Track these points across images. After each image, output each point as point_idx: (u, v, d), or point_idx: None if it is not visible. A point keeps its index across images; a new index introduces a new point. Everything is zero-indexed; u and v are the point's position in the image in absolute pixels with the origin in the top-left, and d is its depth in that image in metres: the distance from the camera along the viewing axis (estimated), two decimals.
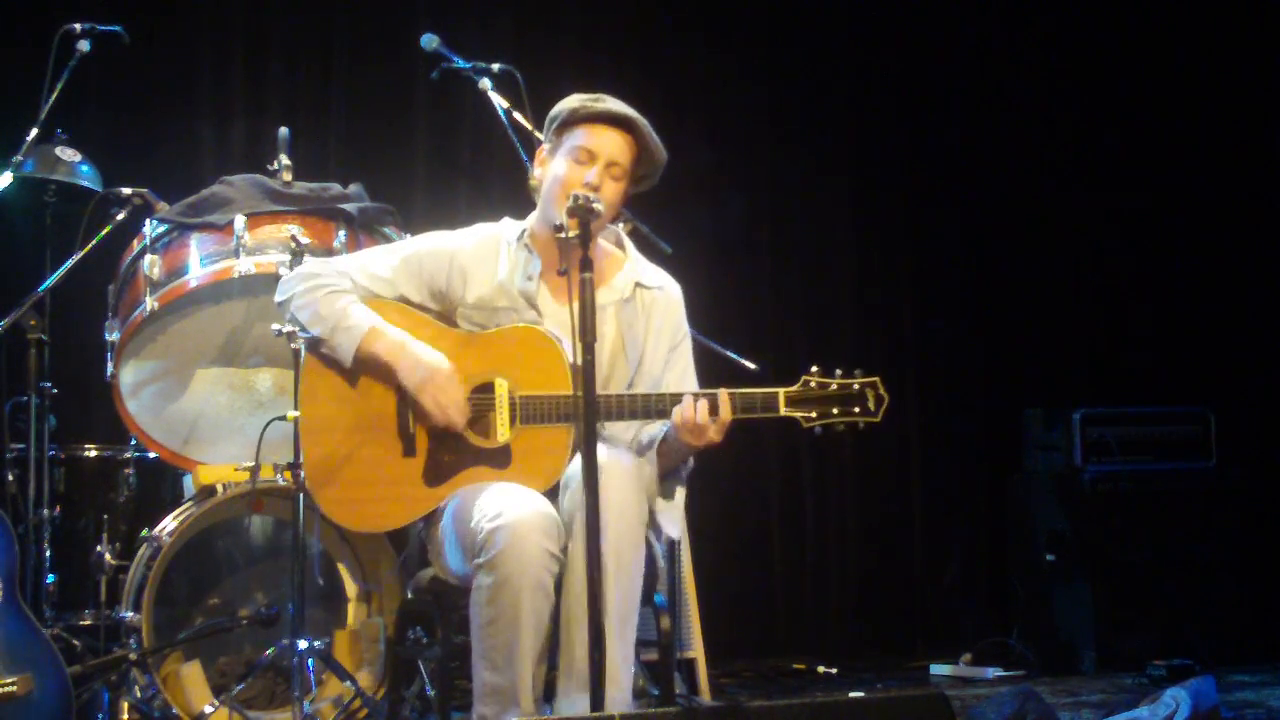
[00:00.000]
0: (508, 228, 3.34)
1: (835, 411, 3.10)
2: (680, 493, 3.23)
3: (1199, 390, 5.93)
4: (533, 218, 3.32)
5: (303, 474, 3.71)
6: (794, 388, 3.10)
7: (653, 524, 3.14)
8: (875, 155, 6.38)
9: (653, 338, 3.30)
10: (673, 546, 4.50)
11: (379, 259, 3.30)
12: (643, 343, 3.29)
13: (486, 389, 3.14)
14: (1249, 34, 6.26)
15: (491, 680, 2.95)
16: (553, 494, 3.12)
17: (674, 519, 3.20)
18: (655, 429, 3.22)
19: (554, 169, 3.23)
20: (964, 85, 6.43)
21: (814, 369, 3.11)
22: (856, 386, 3.11)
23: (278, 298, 3.32)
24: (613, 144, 3.20)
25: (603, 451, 2.97)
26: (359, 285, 3.24)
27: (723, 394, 3.07)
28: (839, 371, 3.12)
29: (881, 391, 3.11)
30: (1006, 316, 6.39)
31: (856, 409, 3.10)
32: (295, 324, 3.28)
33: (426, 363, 3.12)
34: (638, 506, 3.02)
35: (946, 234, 6.42)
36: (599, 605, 2.72)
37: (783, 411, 3.09)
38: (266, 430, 3.86)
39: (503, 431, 3.13)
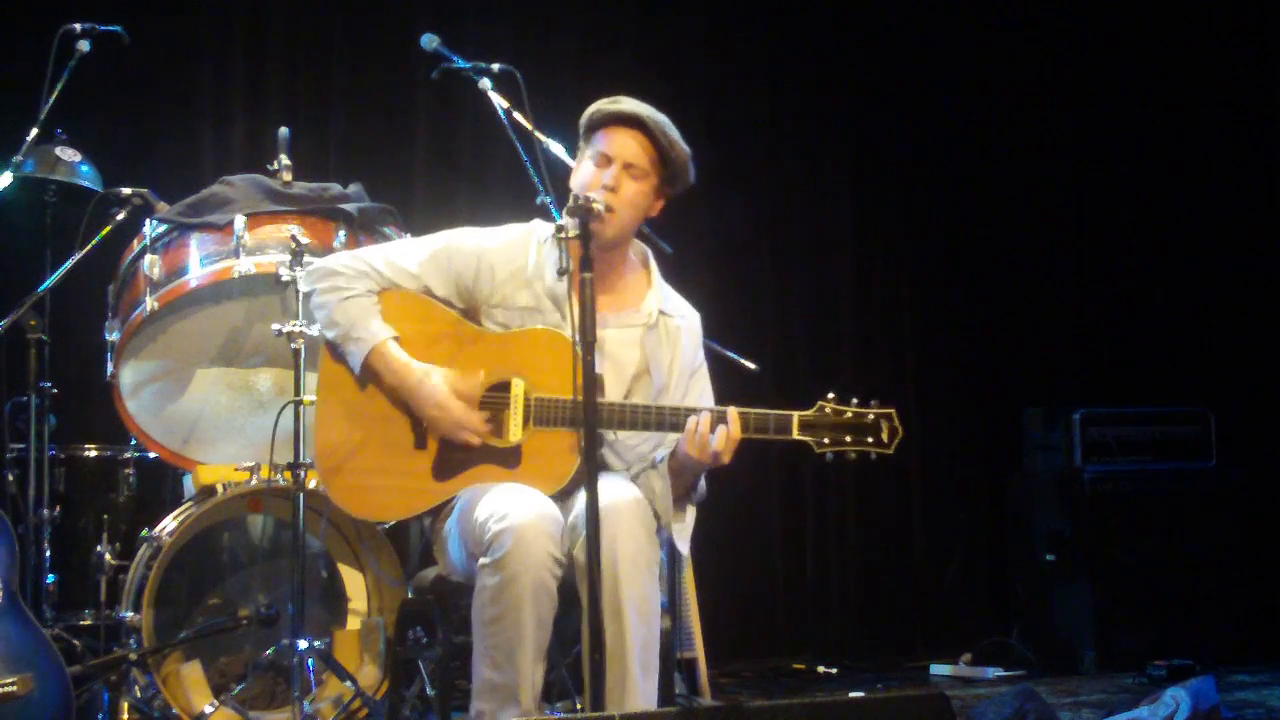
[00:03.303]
0: (539, 227, 3.34)
1: (848, 440, 3.07)
2: (691, 512, 3.23)
3: (1199, 390, 5.93)
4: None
5: (303, 473, 3.72)
6: (809, 412, 3.08)
7: (661, 539, 3.15)
8: (875, 155, 6.38)
9: (677, 367, 3.31)
10: (673, 548, 4.49)
11: (407, 252, 3.30)
12: (666, 372, 3.29)
13: (503, 388, 3.15)
14: (1249, 34, 6.26)
15: (491, 678, 2.96)
16: (559, 498, 3.13)
17: (684, 537, 3.21)
18: (667, 450, 3.22)
19: (580, 174, 3.26)
20: (965, 85, 6.43)
21: (830, 395, 3.09)
22: (871, 416, 3.08)
23: (302, 288, 3.34)
24: (627, 145, 3.21)
25: (612, 492, 2.99)
26: (383, 277, 3.24)
27: (733, 411, 3.06)
28: (855, 400, 3.09)
29: (896, 424, 3.08)
30: (1006, 316, 6.39)
31: (870, 439, 3.08)
32: (314, 320, 3.29)
33: (429, 398, 3.13)
34: (650, 552, 3.04)
35: (947, 234, 6.42)
36: (598, 604, 2.73)
37: (795, 435, 3.07)
38: (277, 419, 3.86)
39: (515, 431, 3.13)
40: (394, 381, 3.17)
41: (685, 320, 3.37)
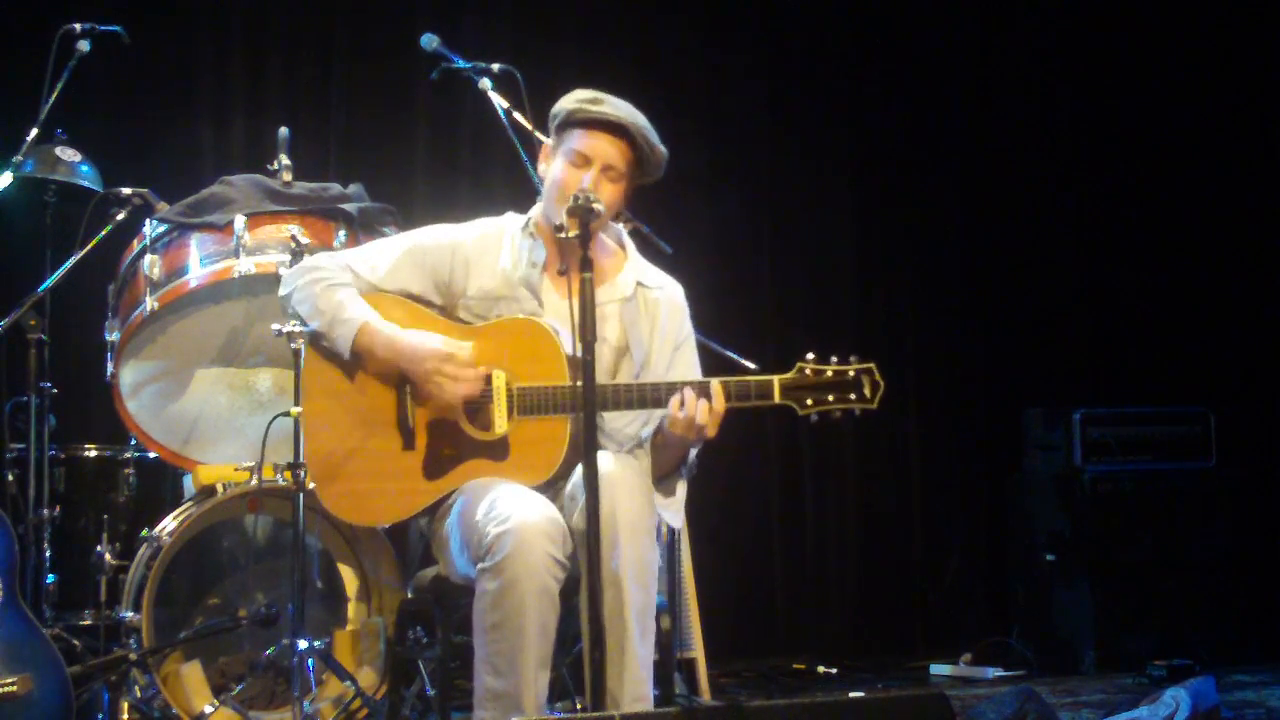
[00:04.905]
0: (511, 220, 3.35)
1: (831, 399, 3.07)
2: (681, 488, 3.23)
3: (1199, 390, 5.93)
4: (537, 209, 3.33)
5: (303, 473, 3.72)
6: (789, 374, 3.07)
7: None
8: (875, 154, 6.38)
9: (658, 338, 3.30)
10: (672, 547, 4.49)
11: (382, 252, 3.31)
12: (647, 343, 3.28)
13: (484, 381, 3.15)
14: (1249, 34, 6.26)
15: (494, 685, 2.94)
16: (550, 489, 3.12)
17: (675, 512, 3.21)
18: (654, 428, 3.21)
19: (553, 170, 3.25)
20: (964, 85, 6.44)
21: (810, 355, 3.08)
22: (852, 373, 3.08)
23: (280, 292, 3.34)
24: (607, 150, 3.20)
25: (609, 460, 2.99)
26: (361, 278, 3.25)
27: (715, 384, 3.05)
28: (834, 358, 3.09)
29: (878, 377, 3.08)
30: (1006, 316, 6.39)
31: (853, 396, 3.07)
32: (296, 318, 3.30)
33: (427, 349, 3.13)
34: (649, 518, 3.03)
35: (947, 233, 6.42)
36: (598, 603, 2.72)
37: (777, 399, 3.07)
38: (269, 428, 3.85)
39: (500, 423, 3.14)
40: (387, 353, 3.16)
41: (664, 291, 3.35)
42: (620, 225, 3.45)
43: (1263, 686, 4.97)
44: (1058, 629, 5.58)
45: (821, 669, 5.69)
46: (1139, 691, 4.63)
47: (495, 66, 4.18)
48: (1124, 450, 5.67)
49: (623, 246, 3.40)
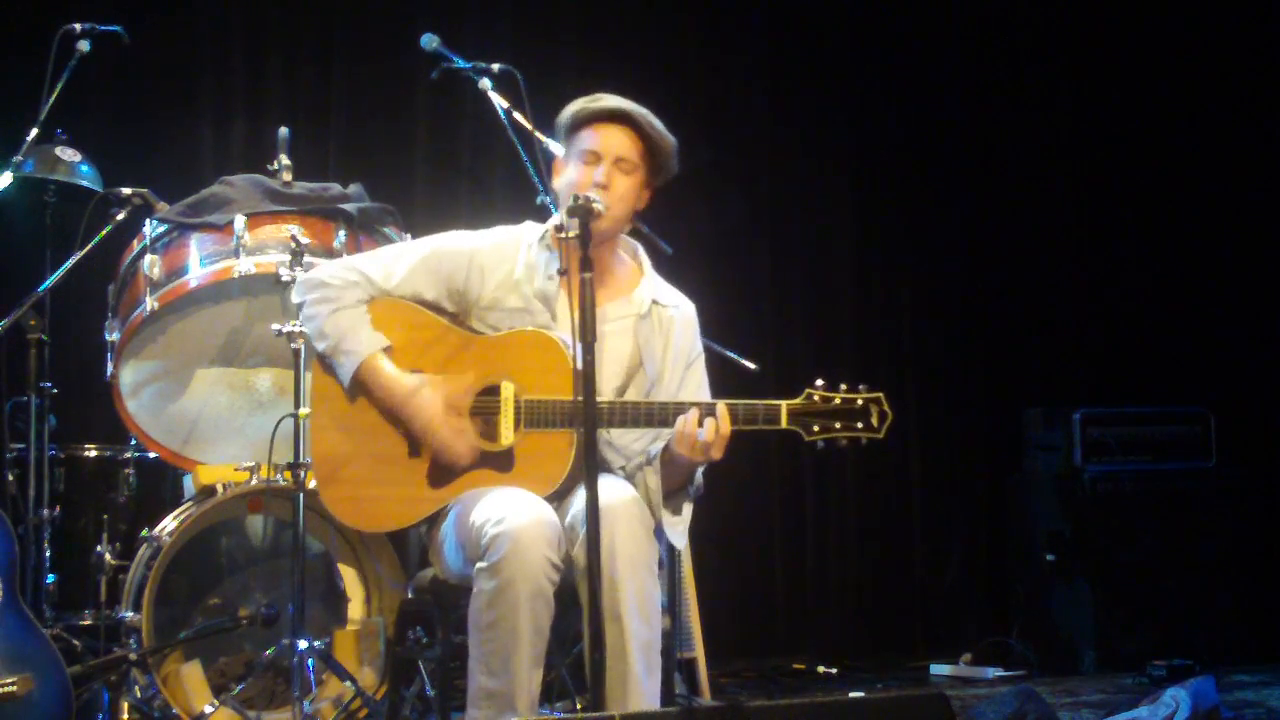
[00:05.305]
0: (529, 229, 3.34)
1: (838, 426, 3.07)
2: (688, 509, 3.23)
3: (1199, 390, 5.93)
4: (555, 220, 3.33)
5: (303, 473, 3.73)
6: (797, 400, 3.07)
7: (660, 537, 3.15)
8: (876, 154, 6.38)
9: (670, 355, 3.30)
10: (672, 548, 4.49)
11: (399, 257, 3.29)
12: (660, 361, 3.29)
13: (493, 391, 3.15)
14: (1250, 33, 6.26)
15: (488, 685, 2.95)
16: (554, 502, 3.12)
17: (680, 533, 3.21)
18: (662, 444, 3.22)
19: (567, 175, 3.25)
20: (965, 85, 6.43)
21: (819, 382, 3.08)
22: (860, 401, 3.08)
23: (294, 298, 3.34)
24: (615, 140, 3.21)
25: (608, 491, 2.98)
26: (374, 285, 3.24)
27: (722, 407, 3.05)
28: (844, 385, 3.09)
29: (885, 407, 3.08)
30: (1006, 316, 6.39)
31: (859, 424, 3.07)
32: (305, 331, 3.30)
33: (424, 416, 3.13)
34: (648, 552, 3.04)
35: (947, 233, 6.42)
36: (598, 604, 2.73)
37: (784, 424, 3.07)
38: (275, 428, 3.86)
39: (507, 434, 3.13)
40: (383, 395, 3.17)
41: (679, 310, 3.36)
42: (636, 242, 3.43)
43: (1263, 686, 4.97)
44: (1058, 629, 5.58)
45: (821, 669, 5.70)
46: (1139, 691, 4.63)
47: (495, 66, 4.18)
48: (1124, 450, 5.67)
49: (639, 262, 3.39)
